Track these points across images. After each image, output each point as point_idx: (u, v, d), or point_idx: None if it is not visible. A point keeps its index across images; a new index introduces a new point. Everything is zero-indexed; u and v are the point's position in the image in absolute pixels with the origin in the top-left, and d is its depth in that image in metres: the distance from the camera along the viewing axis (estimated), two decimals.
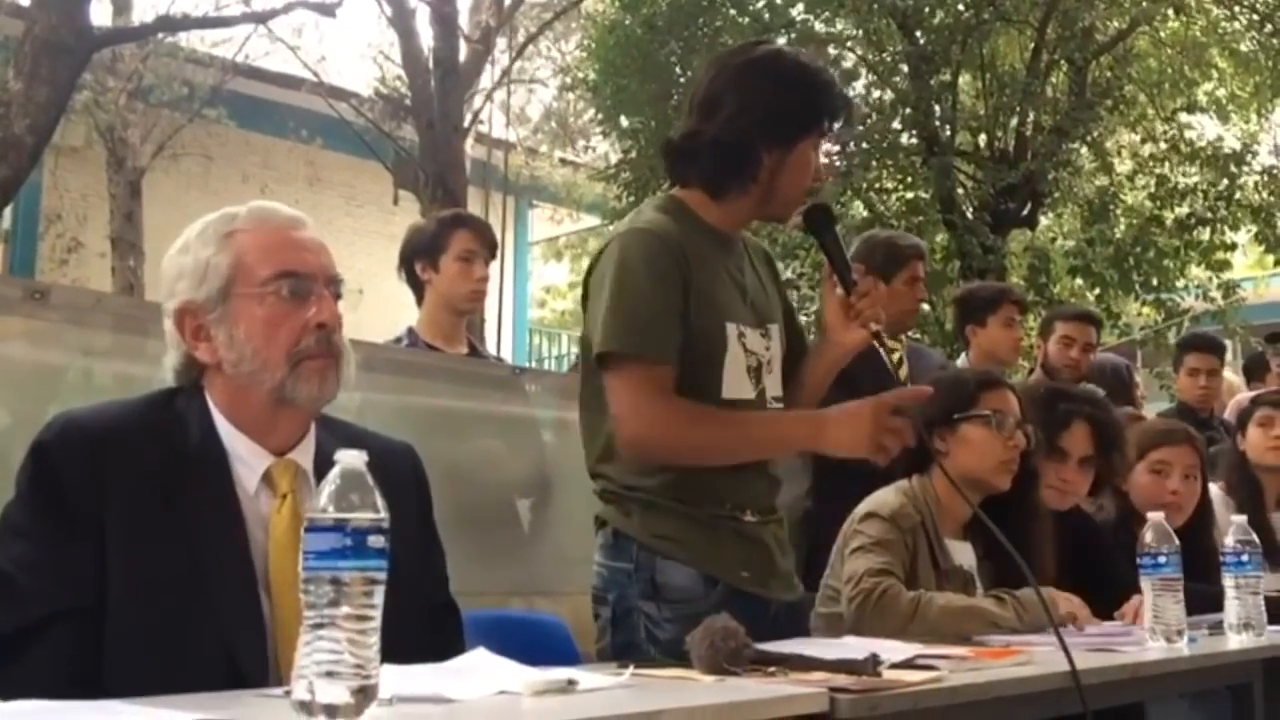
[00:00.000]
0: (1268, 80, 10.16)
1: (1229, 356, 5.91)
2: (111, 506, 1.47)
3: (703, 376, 2.02)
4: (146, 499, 1.49)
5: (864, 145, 9.08)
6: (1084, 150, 9.63)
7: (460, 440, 3.17)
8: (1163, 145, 9.83)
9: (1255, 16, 9.81)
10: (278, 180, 11.58)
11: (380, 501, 1.14)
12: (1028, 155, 9.12)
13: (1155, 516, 2.18)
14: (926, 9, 9.10)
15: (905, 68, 9.25)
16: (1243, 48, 10.26)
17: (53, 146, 9.01)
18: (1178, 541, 2.15)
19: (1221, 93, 10.78)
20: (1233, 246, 9.64)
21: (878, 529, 2.39)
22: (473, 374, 3.36)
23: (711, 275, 2.06)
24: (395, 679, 1.22)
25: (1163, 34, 10.13)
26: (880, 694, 1.47)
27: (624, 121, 10.13)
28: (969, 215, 8.96)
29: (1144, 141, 10.07)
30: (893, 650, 1.70)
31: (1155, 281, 9.26)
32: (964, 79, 9.49)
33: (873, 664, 1.56)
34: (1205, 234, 9.35)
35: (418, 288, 3.34)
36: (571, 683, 1.37)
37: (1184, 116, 10.06)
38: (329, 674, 1.09)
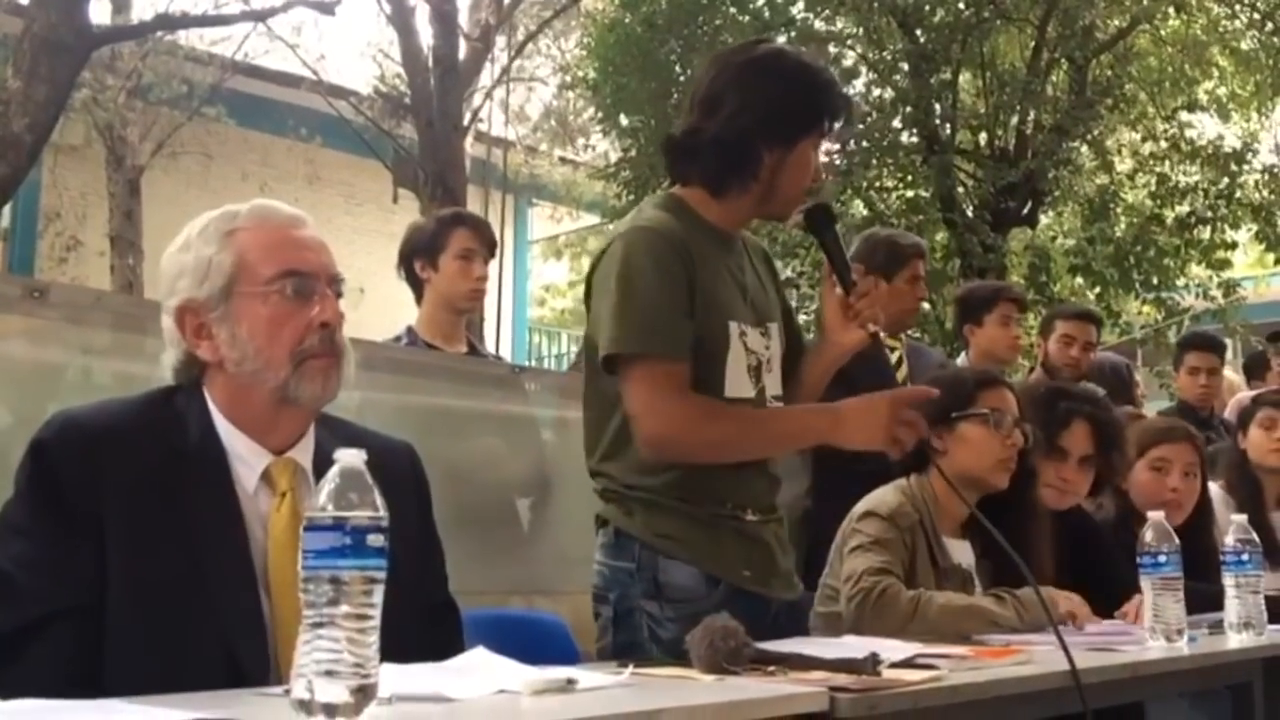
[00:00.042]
0: (1268, 79, 10.16)
1: (1229, 355, 5.91)
2: (110, 505, 1.47)
3: (705, 375, 2.02)
4: (145, 497, 1.49)
5: (864, 144, 9.08)
6: (1084, 149, 9.63)
7: (460, 439, 3.17)
8: (1163, 144, 9.83)
9: (1256, 15, 9.81)
10: (277, 179, 11.58)
11: (379, 500, 1.14)
12: (1028, 154, 9.12)
13: (1155, 515, 2.18)
14: (927, 7, 9.10)
15: (905, 66, 9.25)
16: (1243, 46, 10.26)
17: (52, 145, 9.02)
18: (1178, 540, 2.15)
19: (1222, 91, 10.79)
20: (1233, 245, 9.65)
21: (876, 528, 2.39)
22: (472, 373, 3.36)
23: (713, 274, 2.06)
24: (394, 678, 1.22)
25: (1163, 32, 10.14)
26: (880, 693, 1.47)
27: (624, 120, 10.12)
28: (969, 214, 8.96)
29: (1144, 140, 10.07)
30: (892, 649, 1.70)
31: (1155, 280, 9.26)
32: (964, 77, 9.49)
33: (872, 663, 1.56)
34: (1206, 233, 9.35)
35: (417, 286, 3.33)
36: (571, 682, 1.37)
37: (1184, 115, 10.05)
38: (328, 673, 1.09)
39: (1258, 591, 2.27)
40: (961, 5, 9.18)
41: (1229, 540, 2.29)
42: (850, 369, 2.24)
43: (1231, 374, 5.73)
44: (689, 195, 2.12)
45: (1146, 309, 9.42)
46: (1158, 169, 9.73)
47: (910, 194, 9.32)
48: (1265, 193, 9.45)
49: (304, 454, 1.61)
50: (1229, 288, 9.32)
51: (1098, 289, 9.28)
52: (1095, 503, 3.01)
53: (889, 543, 2.36)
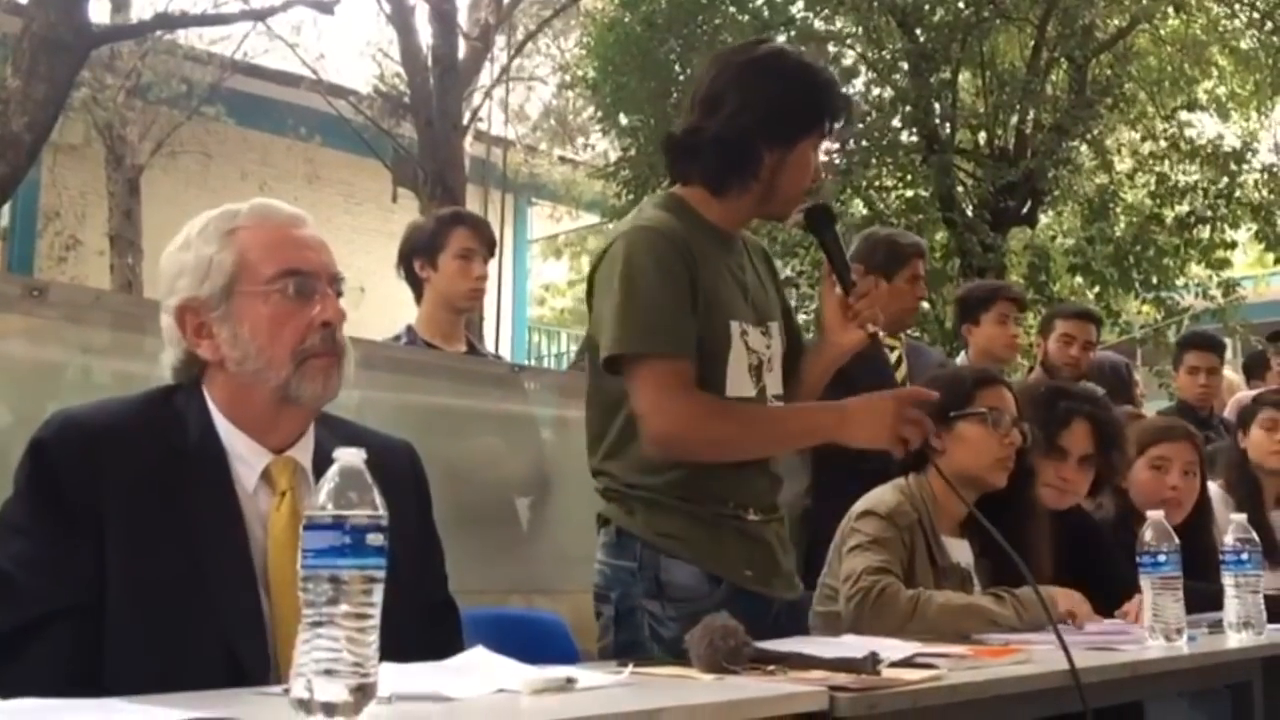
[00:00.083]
0: (1268, 78, 10.16)
1: (1229, 355, 5.91)
2: (110, 504, 1.47)
3: (707, 375, 2.02)
4: (145, 497, 1.49)
5: (864, 143, 9.08)
6: (1084, 148, 9.63)
7: (459, 438, 3.17)
8: (1163, 143, 9.83)
9: (1255, 14, 9.81)
10: (276, 178, 11.58)
11: (379, 499, 1.13)
12: (1027, 153, 9.12)
13: (1154, 515, 2.18)
14: (926, 6, 9.10)
15: (905, 65, 9.25)
16: (1243, 45, 10.26)
17: (51, 144, 9.01)
18: (1177, 540, 2.15)
19: (1221, 91, 10.79)
20: (1233, 245, 9.65)
21: (875, 527, 2.39)
22: (471, 372, 3.36)
23: (714, 273, 2.06)
24: (394, 677, 1.22)
25: (1163, 32, 10.13)
26: (879, 692, 1.47)
27: (623, 119, 10.12)
28: (969, 213, 8.96)
29: (1144, 139, 10.07)
30: (892, 649, 1.69)
31: (1155, 280, 9.26)
32: (964, 77, 9.49)
33: (872, 662, 1.56)
34: (1205, 232, 9.35)
35: (416, 286, 3.33)
36: (570, 681, 1.37)
37: (1184, 114, 10.05)
38: (327, 672, 1.09)
39: (1257, 591, 2.27)
40: (961, 4, 9.18)
41: (1228, 540, 2.29)
42: (850, 369, 2.24)
43: (1231, 374, 5.73)
44: (689, 195, 2.13)
45: (1146, 308, 9.42)
46: (1157, 168, 9.73)
47: (910, 193, 9.32)
48: (1265, 192, 9.45)
49: (304, 453, 1.61)
50: (1228, 287, 9.32)
51: (1097, 288, 9.28)
52: (1095, 502, 3.01)
53: (888, 542, 2.36)
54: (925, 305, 7.09)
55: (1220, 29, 10.17)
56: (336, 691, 1.09)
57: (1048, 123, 9.20)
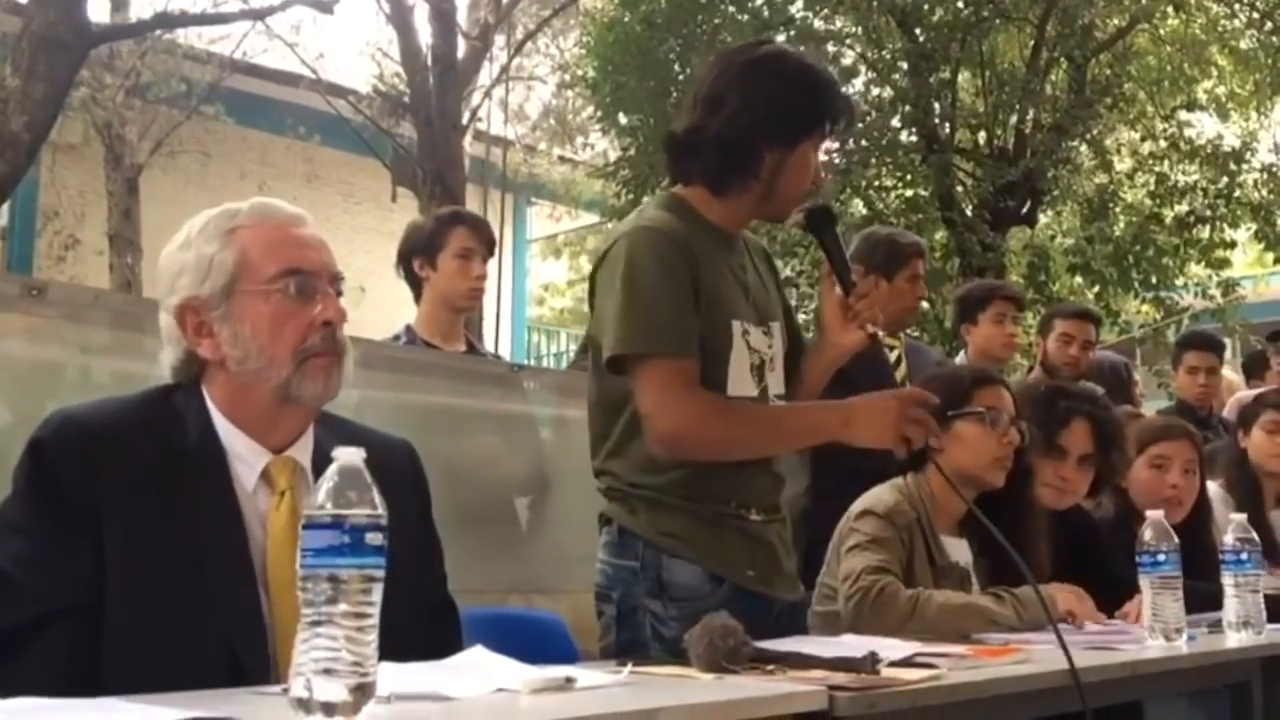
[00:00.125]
0: (1267, 78, 10.17)
1: (1228, 354, 5.91)
2: (109, 503, 1.47)
3: (709, 374, 2.02)
4: (144, 496, 1.48)
5: (863, 143, 9.07)
6: (1083, 148, 9.63)
7: (459, 438, 3.17)
8: (1162, 143, 9.83)
9: (1255, 14, 9.82)
10: (275, 177, 11.59)
11: (378, 499, 1.13)
12: (1027, 153, 9.12)
13: (1154, 514, 2.18)
14: (926, 6, 9.10)
15: (904, 65, 9.25)
16: (1242, 45, 10.26)
17: (50, 143, 9.01)
18: (1177, 540, 2.15)
19: (1221, 90, 10.79)
20: (1232, 244, 9.65)
21: (873, 526, 2.39)
22: (471, 371, 3.36)
23: (716, 273, 2.06)
24: (393, 676, 1.22)
25: (1162, 31, 10.14)
26: (879, 692, 1.47)
27: (623, 119, 10.12)
28: (968, 213, 8.96)
29: (1143, 139, 10.07)
30: (891, 648, 1.70)
31: (1154, 279, 9.27)
32: (963, 76, 9.49)
33: (871, 662, 1.56)
34: (1205, 232, 9.36)
35: (416, 285, 3.33)
36: (570, 680, 1.37)
37: (1183, 114, 10.06)
38: (327, 671, 1.09)
39: (1257, 590, 2.27)
40: (961, 4, 9.18)
41: (1228, 539, 2.29)
42: (849, 368, 2.24)
43: (1230, 373, 5.73)
44: (690, 195, 2.13)
45: (1145, 308, 9.42)
46: (1157, 168, 9.74)
47: (909, 193, 9.32)
48: (1264, 192, 9.46)
49: (303, 452, 1.61)
50: (1228, 287, 9.33)
51: (1097, 288, 9.28)
52: (1095, 501, 3.01)
53: (886, 541, 2.36)
54: (925, 305, 7.09)
55: (1220, 29, 10.18)
56: (336, 691, 1.09)
57: (1047, 122, 9.21)
